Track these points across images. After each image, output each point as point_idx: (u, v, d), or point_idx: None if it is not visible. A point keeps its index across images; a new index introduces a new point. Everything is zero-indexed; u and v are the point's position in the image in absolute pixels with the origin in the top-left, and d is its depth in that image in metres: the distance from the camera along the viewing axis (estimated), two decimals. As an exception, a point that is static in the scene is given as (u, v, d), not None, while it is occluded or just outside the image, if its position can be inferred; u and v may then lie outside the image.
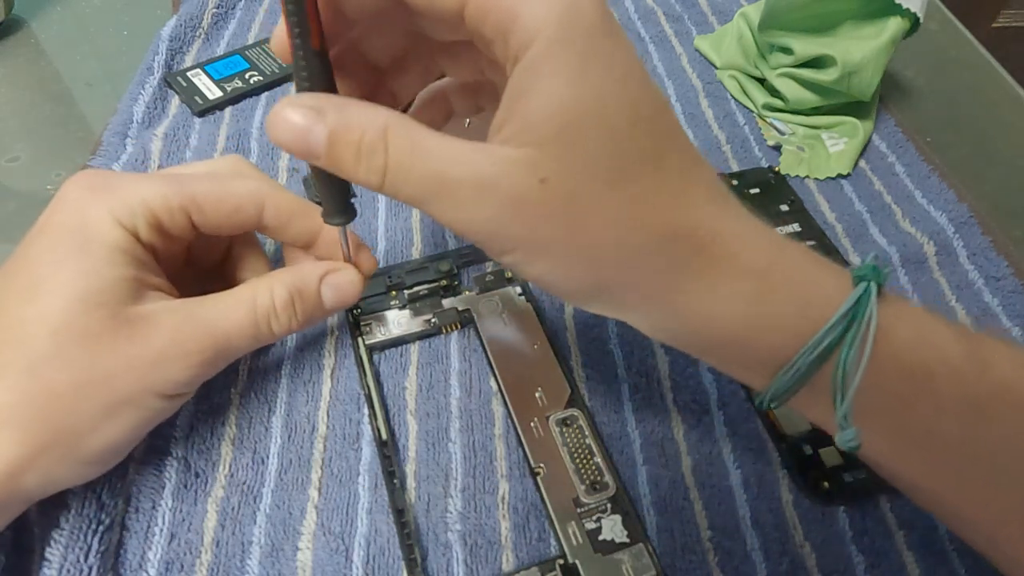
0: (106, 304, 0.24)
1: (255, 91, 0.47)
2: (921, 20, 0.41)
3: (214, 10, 0.53)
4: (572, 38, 0.19)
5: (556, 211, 0.20)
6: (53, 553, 0.25)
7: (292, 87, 0.47)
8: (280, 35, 0.22)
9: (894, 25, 0.40)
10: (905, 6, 0.40)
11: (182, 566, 0.27)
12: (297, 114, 0.21)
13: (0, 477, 0.23)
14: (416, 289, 0.35)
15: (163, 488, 0.29)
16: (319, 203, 0.39)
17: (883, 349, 0.21)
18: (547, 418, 0.30)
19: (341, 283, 0.29)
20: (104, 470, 0.26)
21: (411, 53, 0.26)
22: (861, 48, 0.40)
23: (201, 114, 0.45)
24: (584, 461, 0.29)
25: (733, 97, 0.47)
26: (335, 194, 0.25)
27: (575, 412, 0.30)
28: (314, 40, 0.21)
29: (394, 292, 0.35)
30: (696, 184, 0.22)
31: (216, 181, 0.28)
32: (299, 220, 0.29)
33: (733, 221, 0.22)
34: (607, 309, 0.23)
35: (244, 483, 0.29)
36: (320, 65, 0.21)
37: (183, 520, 0.28)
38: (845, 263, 0.36)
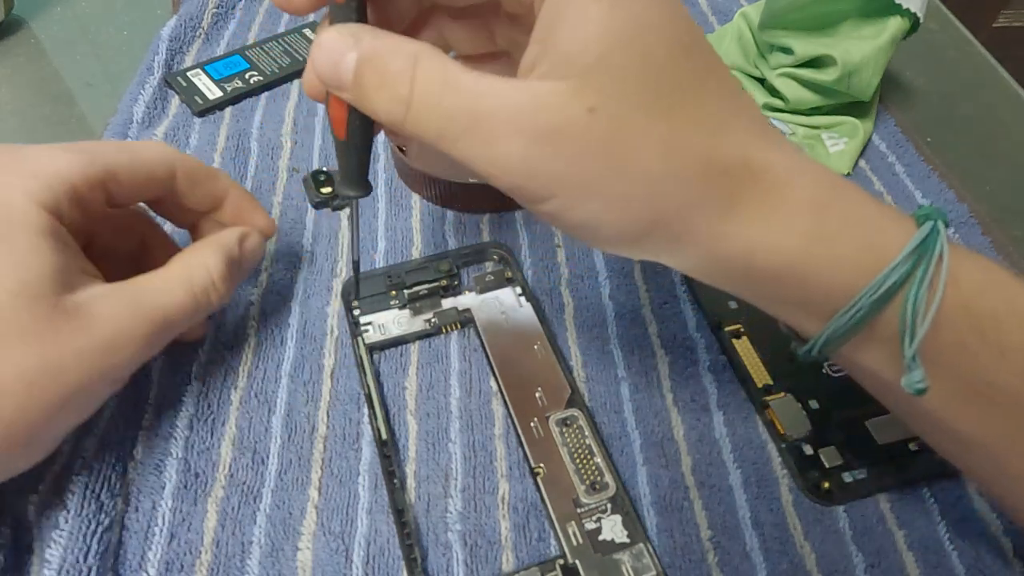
0: (42, 296, 0.23)
1: (255, 91, 0.47)
2: (921, 20, 0.40)
3: (214, 10, 0.53)
4: None
5: (603, 142, 0.19)
6: (53, 553, 0.25)
7: (292, 87, 0.47)
8: None
9: (894, 25, 0.40)
10: (905, 6, 0.40)
11: (182, 566, 0.27)
12: (335, 38, 0.20)
13: None
14: (416, 289, 0.35)
15: (163, 488, 0.29)
16: (319, 203, 0.39)
17: (949, 292, 0.20)
18: (547, 418, 0.30)
19: (255, 247, 0.30)
20: (43, 457, 0.25)
21: (421, 25, 0.26)
22: (861, 48, 0.40)
23: (201, 114, 0.45)
24: (584, 461, 0.29)
25: (733, 97, 0.47)
26: (354, 163, 0.25)
27: (575, 412, 0.30)
28: None
29: (394, 292, 0.35)
30: (740, 114, 0.21)
31: (126, 149, 0.27)
32: (208, 182, 0.29)
33: (784, 153, 0.21)
34: (653, 250, 0.22)
35: (244, 483, 0.29)
36: (358, 4, 0.21)
37: (183, 520, 0.28)
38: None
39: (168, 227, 0.35)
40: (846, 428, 0.30)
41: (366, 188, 0.25)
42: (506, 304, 0.35)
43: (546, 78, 0.19)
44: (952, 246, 0.21)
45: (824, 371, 0.32)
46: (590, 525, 0.27)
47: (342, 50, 0.20)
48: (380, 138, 0.44)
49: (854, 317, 0.21)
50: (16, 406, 0.22)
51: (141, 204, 0.31)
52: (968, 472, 0.25)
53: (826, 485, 0.28)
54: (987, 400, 0.21)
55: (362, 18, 0.22)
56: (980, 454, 0.23)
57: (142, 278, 0.26)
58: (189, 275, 0.27)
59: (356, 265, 0.32)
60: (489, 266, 0.37)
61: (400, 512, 0.28)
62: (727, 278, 0.22)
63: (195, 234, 0.32)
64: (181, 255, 0.28)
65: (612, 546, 0.27)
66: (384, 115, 0.20)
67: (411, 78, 0.20)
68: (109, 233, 0.30)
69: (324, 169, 0.41)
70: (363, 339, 0.33)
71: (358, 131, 0.23)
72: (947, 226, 0.21)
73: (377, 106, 0.20)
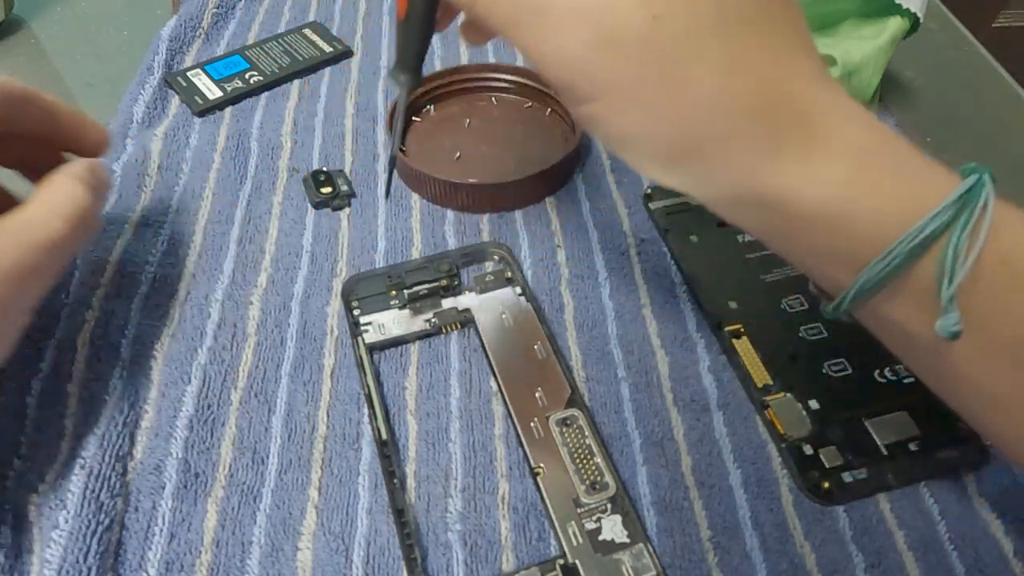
0: None
1: (255, 91, 0.47)
2: (921, 20, 0.41)
3: (214, 10, 0.53)
4: None
5: (661, 52, 0.19)
6: (53, 553, 0.25)
7: (291, 87, 0.47)
8: None
9: (894, 25, 0.40)
10: (905, 6, 0.40)
11: (182, 566, 0.27)
12: None
13: None
14: (416, 289, 0.35)
15: (163, 488, 0.29)
16: (319, 203, 0.39)
17: (989, 243, 0.20)
18: (547, 418, 0.30)
19: (104, 174, 0.31)
20: None
21: None
22: (861, 48, 0.40)
23: (201, 114, 0.45)
24: (584, 461, 0.29)
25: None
26: (411, 47, 0.25)
27: (575, 412, 0.30)
28: None
29: (394, 292, 0.35)
30: (801, 54, 0.21)
31: None
32: (35, 101, 0.30)
33: (836, 98, 0.21)
34: (686, 176, 0.22)
35: (244, 483, 0.29)
36: None
37: (183, 520, 0.28)
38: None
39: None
40: (846, 428, 0.30)
41: (417, 77, 0.25)
42: (506, 304, 0.35)
43: None
44: (996, 199, 0.21)
45: (824, 371, 0.32)
46: (590, 525, 0.27)
47: None
48: (380, 138, 0.44)
49: (890, 265, 0.20)
50: None
51: None
52: (990, 433, 0.24)
53: (826, 485, 0.28)
54: (1017, 356, 0.21)
55: None
56: (1005, 413, 0.23)
57: (14, 213, 0.26)
58: (60, 207, 0.27)
59: (392, 161, 0.31)
60: (489, 266, 0.37)
61: (400, 512, 0.28)
62: (757, 218, 0.22)
63: (31, 172, 0.32)
64: (43, 190, 0.28)
65: (612, 546, 0.27)
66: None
67: None
68: None
69: (324, 169, 0.41)
70: (363, 339, 0.33)
71: (420, 10, 0.24)
72: (995, 181, 0.20)
73: None
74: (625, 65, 0.20)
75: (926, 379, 0.25)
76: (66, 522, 0.26)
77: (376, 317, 0.34)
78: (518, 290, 0.35)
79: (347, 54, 0.50)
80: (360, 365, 0.32)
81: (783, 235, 0.22)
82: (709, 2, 0.20)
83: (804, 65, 0.21)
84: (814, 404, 0.31)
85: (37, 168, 0.31)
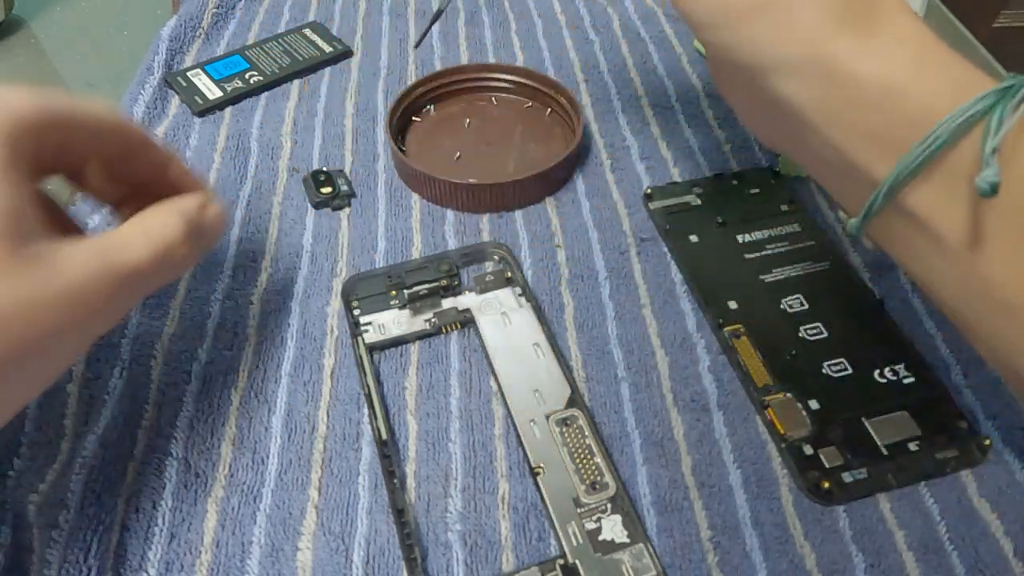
0: (8, 236, 0.21)
1: (255, 91, 0.47)
2: (921, 20, 0.40)
3: (214, 10, 0.53)
4: None
5: None
6: (52, 553, 0.25)
7: (291, 87, 0.48)
8: None
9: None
10: (905, 6, 0.40)
11: (182, 566, 0.27)
12: None
13: None
14: (416, 289, 0.35)
15: (163, 488, 0.29)
16: (319, 203, 0.39)
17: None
18: (547, 418, 0.30)
19: (216, 215, 0.29)
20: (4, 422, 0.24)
21: None
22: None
23: (201, 114, 0.45)
24: (584, 461, 0.29)
25: (733, 97, 0.47)
26: None
27: (575, 412, 0.30)
28: None
29: (394, 292, 0.35)
30: None
31: (82, 103, 0.26)
32: (149, 150, 0.28)
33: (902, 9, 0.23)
34: (756, 33, 0.24)
35: (244, 483, 0.29)
36: None
37: (183, 520, 0.28)
38: (846, 263, 0.36)
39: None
40: (846, 428, 0.30)
41: None
42: (506, 304, 0.35)
43: None
44: None
45: (824, 371, 0.32)
46: (590, 525, 0.27)
47: None
48: (380, 138, 0.44)
49: (932, 145, 0.21)
50: None
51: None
52: (999, 353, 0.25)
53: (826, 485, 0.28)
54: None
55: None
56: (1021, 326, 0.23)
57: (103, 235, 0.25)
58: (149, 234, 0.26)
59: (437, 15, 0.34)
60: (489, 266, 0.37)
61: (400, 512, 0.28)
62: (810, 89, 0.24)
63: (129, 209, 0.29)
64: (139, 216, 0.27)
65: (612, 546, 0.27)
66: None
67: None
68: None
69: (324, 169, 0.41)
70: (363, 339, 0.33)
71: None
72: None
73: None
74: None
75: (941, 292, 0.25)
76: (66, 522, 0.26)
77: (376, 317, 0.34)
78: (518, 290, 0.35)
79: (347, 54, 0.50)
80: (360, 365, 0.32)
81: (832, 111, 0.24)
82: None
83: None
84: (814, 404, 0.31)
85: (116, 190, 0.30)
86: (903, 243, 0.25)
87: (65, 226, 0.28)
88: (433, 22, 0.30)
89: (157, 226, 0.26)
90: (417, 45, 0.36)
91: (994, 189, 0.20)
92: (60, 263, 0.23)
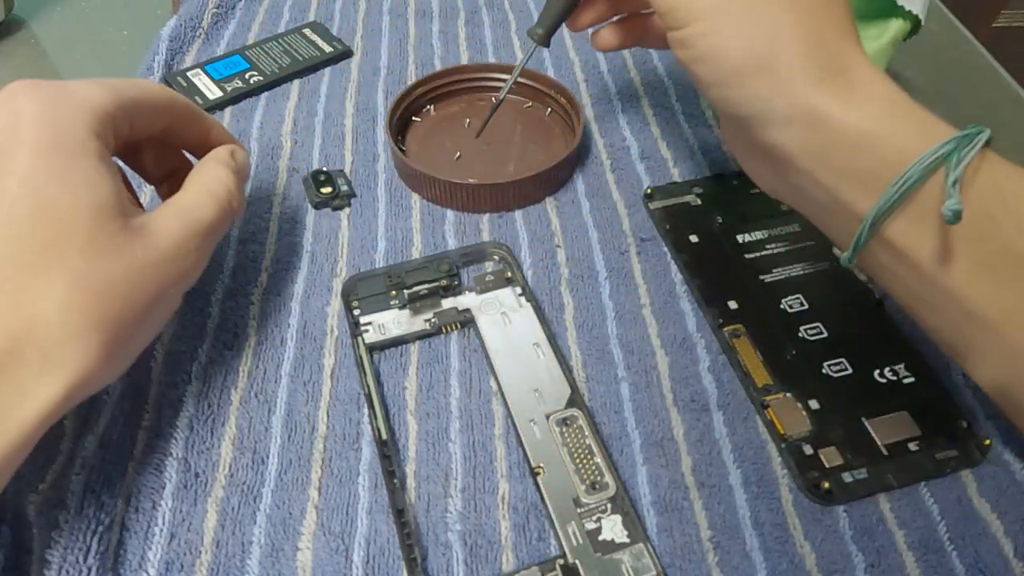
0: (113, 216, 0.25)
1: (255, 91, 0.47)
2: (923, 22, 0.40)
3: (214, 10, 0.53)
4: None
5: None
6: (52, 553, 0.25)
7: (291, 87, 0.48)
8: None
9: (895, 27, 0.40)
10: (907, 8, 0.40)
11: (182, 566, 0.27)
12: None
13: (78, 384, 0.23)
14: (416, 289, 0.35)
15: (163, 488, 0.29)
16: (319, 203, 0.39)
17: (984, 167, 0.24)
18: (547, 418, 0.30)
19: (244, 157, 0.33)
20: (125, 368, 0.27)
21: None
22: (861, 48, 0.40)
23: (201, 114, 0.45)
24: (584, 461, 0.29)
25: (733, 97, 0.47)
26: (558, 14, 0.36)
27: (575, 412, 0.30)
28: None
29: (394, 292, 0.35)
30: (851, 25, 0.27)
31: (136, 83, 0.29)
32: (198, 121, 0.32)
33: (870, 66, 0.27)
34: (754, 92, 0.27)
35: (244, 483, 0.29)
36: None
37: (183, 520, 0.28)
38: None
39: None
40: (846, 428, 0.30)
41: (546, 41, 0.37)
42: (506, 304, 0.35)
43: None
44: (993, 153, 0.25)
45: (824, 371, 0.32)
46: (590, 525, 0.27)
47: None
48: (380, 138, 0.44)
49: (906, 183, 0.24)
50: (114, 313, 0.24)
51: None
52: (975, 362, 0.27)
53: (826, 485, 0.28)
54: (1003, 272, 0.24)
55: None
56: (989, 333, 0.25)
57: (175, 199, 0.29)
58: (209, 189, 0.30)
59: (495, 107, 0.40)
60: (489, 266, 0.37)
61: (400, 512, 0.28)
62: (801, 136, 0.27)
63: (171, 186, 0.33)
64: (193, 176, 0.30)
65: (612, 546, 0.27)
66: None
67: None
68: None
69: (324, 169, 0.41)
70: (363, 339, 0.33)
71: None
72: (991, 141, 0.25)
73: None
74: None
75: (922, 312, 0.27)
76: (66, 522, 0.26)
77: (376, 317, 0.34)
78: (518, 290, 0.35)
79: (347, 54, 0.50)
80: (360, 365, 0.32)
81: (820, 155, 0.27)
82: None
83: (852, 32, 0.27)
84: (814, 404, 0.31)
85: (159, 169, 0.34)
86: (888, 272, 0.27)
87: (133, 198, 0.31)
88: (492, 113, 0.36)
89: (214, 182, 0.30)
90: (478, 135, 0.41)
91: (957, 216, 0.23)
92: (155, 232, 0.26)
